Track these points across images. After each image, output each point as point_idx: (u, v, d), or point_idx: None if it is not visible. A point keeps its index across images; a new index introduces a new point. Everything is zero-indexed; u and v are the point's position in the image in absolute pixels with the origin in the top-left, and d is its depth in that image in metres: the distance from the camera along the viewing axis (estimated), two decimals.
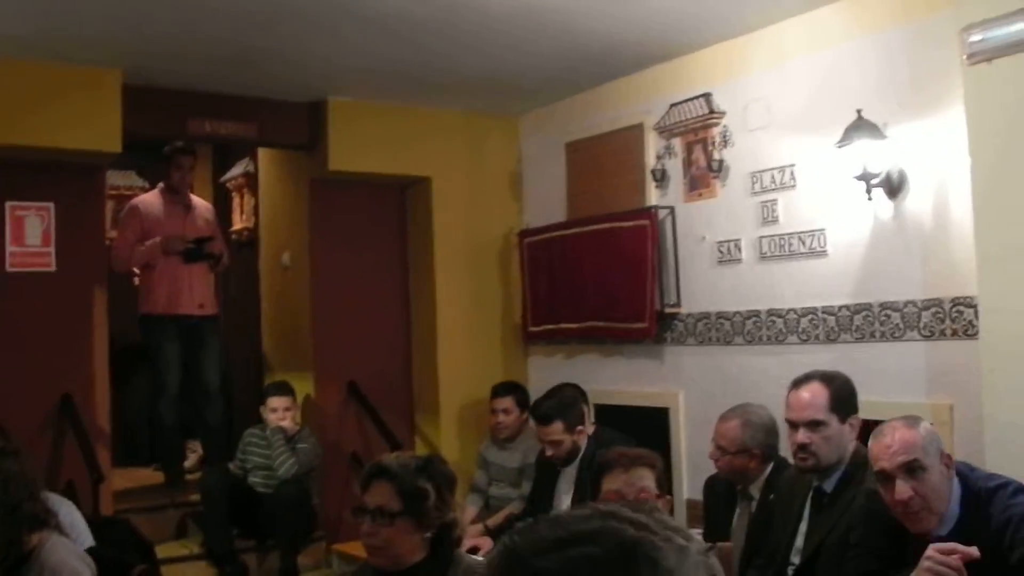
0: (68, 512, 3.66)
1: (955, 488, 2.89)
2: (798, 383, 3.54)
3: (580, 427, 4.98)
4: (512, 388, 6.02)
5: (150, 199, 6.40)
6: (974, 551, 2.45)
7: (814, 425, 3.43)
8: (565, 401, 5.06)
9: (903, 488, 2.81)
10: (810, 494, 3.50)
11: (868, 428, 3.53)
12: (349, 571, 5.28)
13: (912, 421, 2.93)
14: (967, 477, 2.92)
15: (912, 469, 2.82)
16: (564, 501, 4.92)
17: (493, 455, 5.92)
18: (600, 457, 3.47)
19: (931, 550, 2.49)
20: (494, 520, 5.53)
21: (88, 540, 3.67)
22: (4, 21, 4.52)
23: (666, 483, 3.01)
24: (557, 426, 4.93)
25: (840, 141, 4.57)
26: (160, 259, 6.14)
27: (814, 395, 3.47)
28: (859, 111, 4.53)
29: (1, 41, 4.82)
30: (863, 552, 3.03)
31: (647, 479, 2.91)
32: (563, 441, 4.93)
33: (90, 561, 3.00)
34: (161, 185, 6.44)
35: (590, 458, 4.71)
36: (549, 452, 4.97)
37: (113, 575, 3.44)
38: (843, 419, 3.46)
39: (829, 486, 3.45)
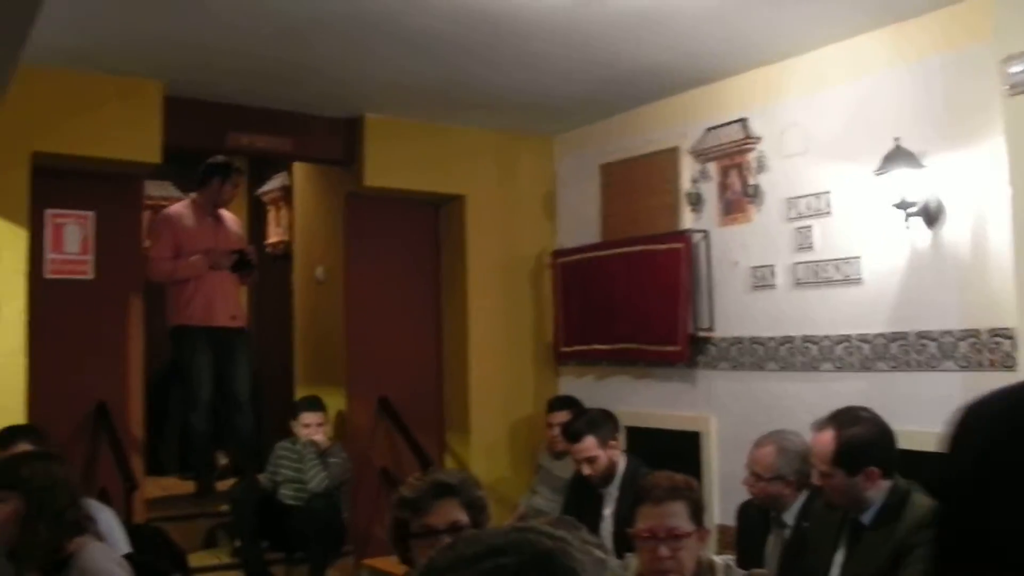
0: (107, 519, 3.71)
1: None
2: (818, 425, 3.49)
3: (613, 441, 4.95)
4: (569, 402, 6.00)
5: (181, 210, 6.40)
6: None
7: (819, 473, 3.43)
8: (595, 418, 5.05)
9: None
10: (845, 524, 3.47)
11: (906, 458, 3.50)
12: None
13: None
14: None
15: None
16: (608, 524, 4.88)
17: (548, 462, 5.90)
18: (639, 481, 3.46)
19: None
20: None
21: (124, 547, 3.71)
22: (48, 31, 4.57)
23: (702, 513, 2.99)
24: (590, 441, 4.90)
25: (878, 169, 4.57)
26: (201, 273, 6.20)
27: (822, 445, 3.41)
28: (897, 139, 4.53)
29: (45, 50, 4.87)
30: None
31: (679, 516, 2.88)
32: (598, 456, 4.88)
33: (128, 567, 3.04)
34: (192, 196, 6.46)
35: (630, 478, 4.70)
36: (587, 471, 4.91)
37: None
38: (852, 472, 3.31)
39: (867, 519, 3.36)
